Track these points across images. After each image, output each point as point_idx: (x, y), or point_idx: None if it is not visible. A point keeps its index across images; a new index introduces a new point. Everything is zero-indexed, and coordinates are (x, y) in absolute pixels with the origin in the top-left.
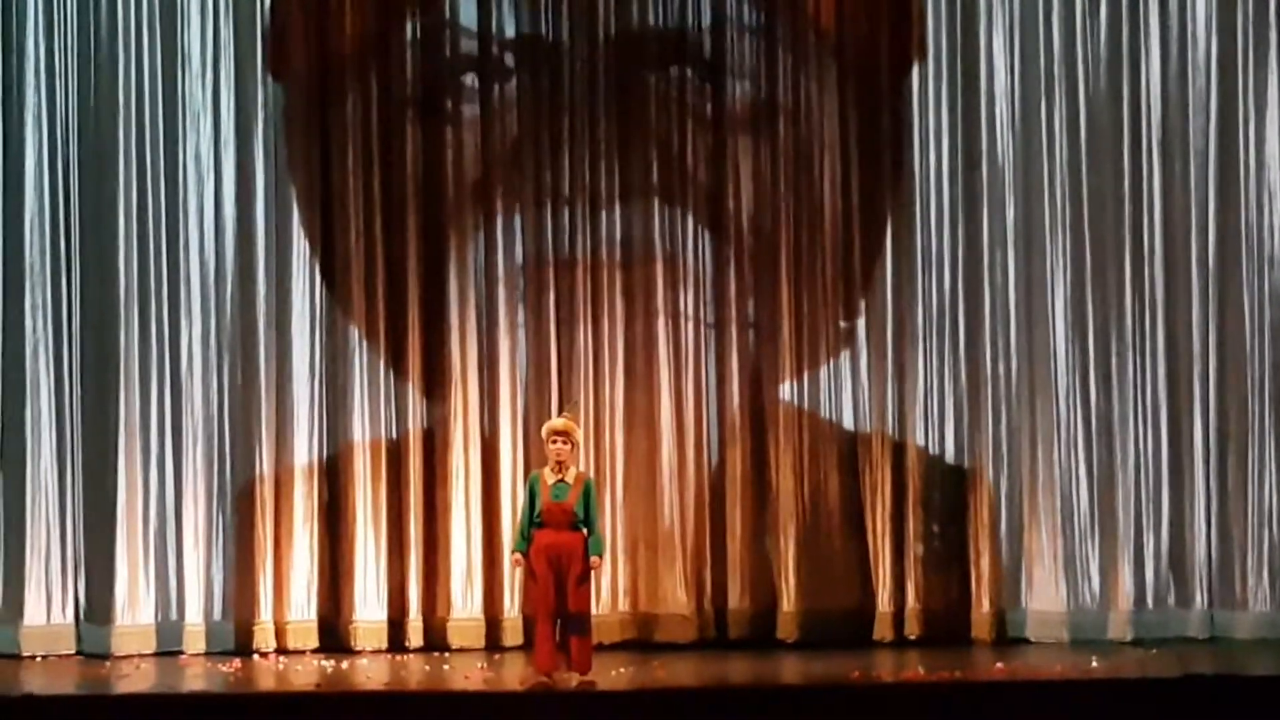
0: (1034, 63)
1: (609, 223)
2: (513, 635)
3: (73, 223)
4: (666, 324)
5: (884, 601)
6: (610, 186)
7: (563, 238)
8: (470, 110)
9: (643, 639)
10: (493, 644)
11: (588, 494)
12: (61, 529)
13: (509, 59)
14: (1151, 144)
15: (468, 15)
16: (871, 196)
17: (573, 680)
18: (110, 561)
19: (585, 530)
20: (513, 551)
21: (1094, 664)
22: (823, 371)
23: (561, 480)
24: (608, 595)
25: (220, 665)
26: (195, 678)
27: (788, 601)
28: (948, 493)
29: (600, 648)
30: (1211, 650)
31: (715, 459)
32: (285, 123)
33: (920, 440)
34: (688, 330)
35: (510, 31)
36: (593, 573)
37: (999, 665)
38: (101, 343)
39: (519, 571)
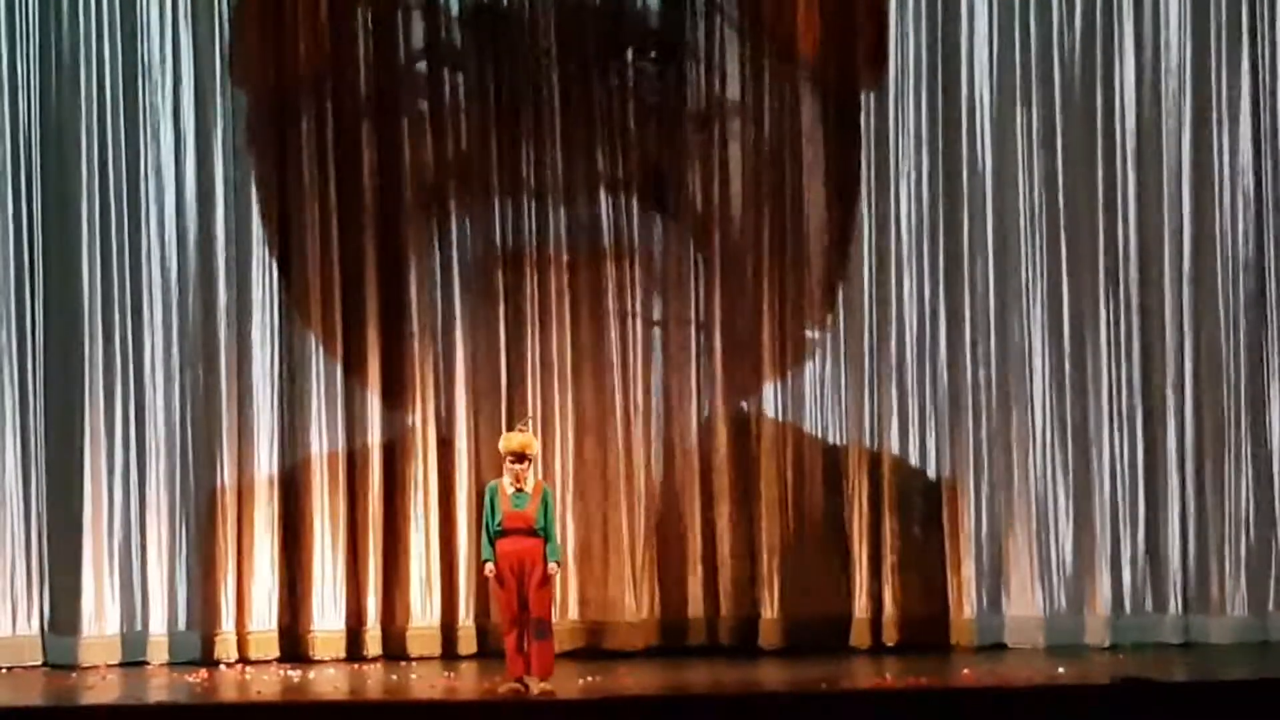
0: (1010, 71)
1: (572, 223)
2: (468, 644)
3: (36, 234)
4: (638, 329)
5: (861, 608)
6: (571, 183)
7: (524, 241)
8: (424, 108)
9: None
10: (449, 653)
11: (546, 501)
12: (26, 541)
13: (463, 56)
14: (1126, 152)
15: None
16: (845, 201)
17: (535, 686)
18: (75, 573)
19: (544, 537)
20: (484, 561)
21: (1060, 670)
22: (803, 379)
23: (520, 489)
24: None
25: (186, 676)
26: (161, 688)
27: (770, 609)
28: (925, 499)
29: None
30: (1187, 655)
31: (701, 469)
32: (247, 130)
33: (897, 447)
34: (660, 335)
35: (458, 39)
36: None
37: (965, 671)
38: (65, 354)
39: (479, 580)
